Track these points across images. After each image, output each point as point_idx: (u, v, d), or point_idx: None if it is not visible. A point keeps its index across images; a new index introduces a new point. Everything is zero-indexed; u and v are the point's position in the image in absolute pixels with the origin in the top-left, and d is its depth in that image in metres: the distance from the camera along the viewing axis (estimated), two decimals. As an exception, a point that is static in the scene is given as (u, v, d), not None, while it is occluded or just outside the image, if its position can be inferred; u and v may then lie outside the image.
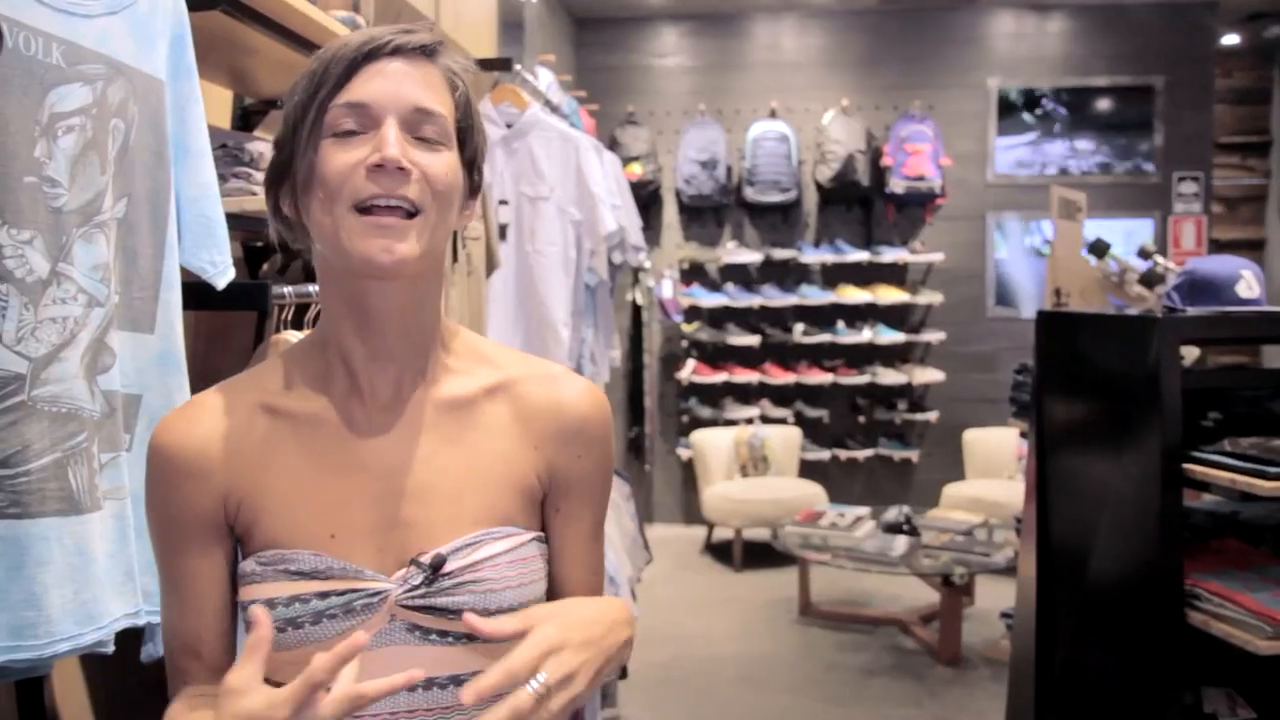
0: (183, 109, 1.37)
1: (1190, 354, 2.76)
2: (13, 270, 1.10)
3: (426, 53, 0.99)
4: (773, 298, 6.50)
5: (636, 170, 6.45)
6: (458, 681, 0.99)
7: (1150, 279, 3.31)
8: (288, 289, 1.61)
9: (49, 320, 1.14)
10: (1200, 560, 2.24)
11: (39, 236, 1.13)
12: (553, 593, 1.09)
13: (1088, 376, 2.52)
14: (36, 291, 1.13)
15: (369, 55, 0.96)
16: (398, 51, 0.97)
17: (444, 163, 0.97)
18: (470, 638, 0.97)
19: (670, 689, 4.16)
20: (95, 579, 1.19)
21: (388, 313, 1.00)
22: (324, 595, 0.97)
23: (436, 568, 0.97)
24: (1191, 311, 2.33)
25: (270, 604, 0.96)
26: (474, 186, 1.06)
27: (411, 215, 0.95)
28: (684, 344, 6.75)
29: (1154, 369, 2.17)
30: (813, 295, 6.48)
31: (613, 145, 6.40)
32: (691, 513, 6.79)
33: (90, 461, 1.19)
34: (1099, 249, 3.60)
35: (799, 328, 6.53)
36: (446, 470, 1.02)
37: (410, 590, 0.97)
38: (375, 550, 1.00)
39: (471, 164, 1.04)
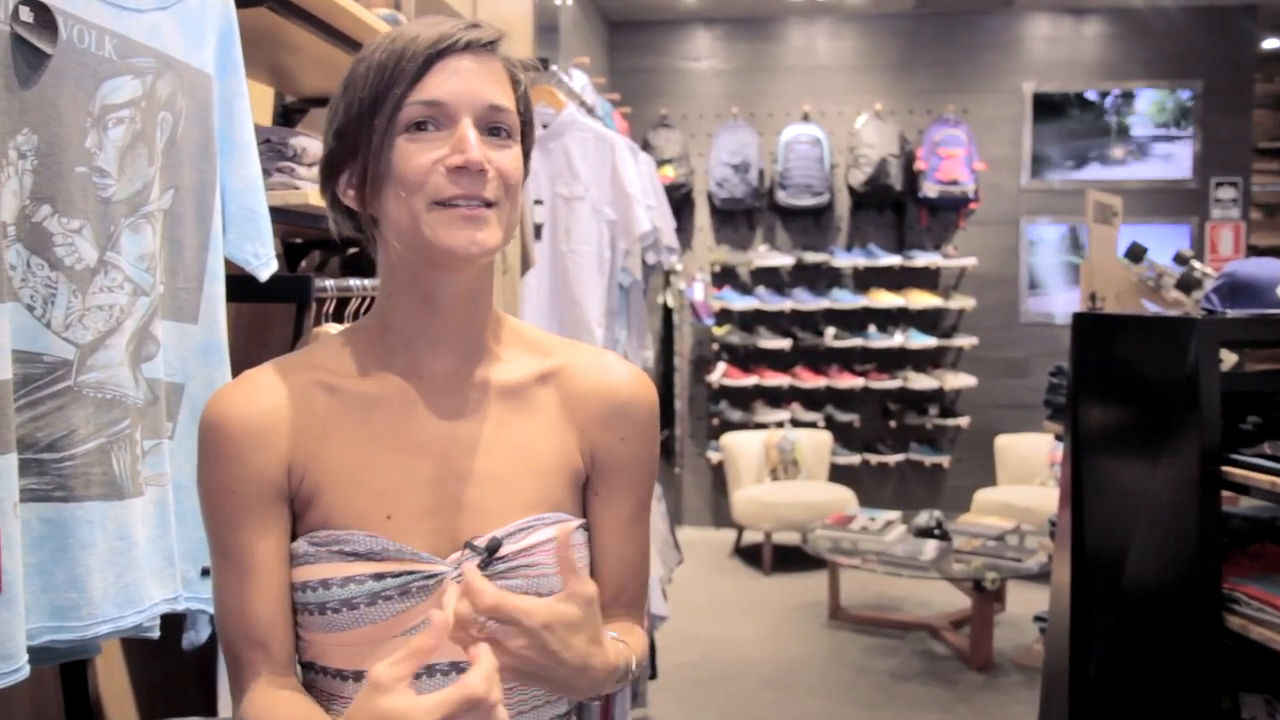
0: (229, 103, 1.39)
1: (1228, 360, 2.73)
2: (62, 258, 1.12)
3: (491, 49, 1.01)
4: (804, 301, 6.49)
5: (669, 173, 6.46)
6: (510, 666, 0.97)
7: (1187, 284, 3.27)
8: (329, 282, 1.63)
9: (96, 308, 1.16)
10: (1238, 565, 2.21)
11: (88, 225, 1.15)
12: (591, 576, 1.08)
13: (1124, 379, 2.50)
14: (85, 279, 1.15)
15: (442, 51, 0.97)
16: (468, 47, 0.98)
17: (514, 158, 1.00)
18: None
19: (699, 690, 4.16)
20: (136, 563, 1.21)
21: (452, 300, 1.03)
22: (379, 577, 0.97)
23: (493, 551, 0.99)
24: (1231, 314, 2.31)
25: (323, 585, 0.97)
26: (525, 173, 1.08)
27: (489, 206, 0.97)
28: (715, 347, 6.75)
29: (1193, 371, 2.15)
30: (844, 299, 6.46)
31: (645, 148, 6.41)
32: (721, 516, 6.78)
33: (133, 448, 1.21)
34: (1136, 253, 3.58)
35: (830, 331, 6.52)
36: (500, 455, 1.04)
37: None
38: (430, 532, 1.01)
39: (527, 153, 1.06)
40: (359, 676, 1.00)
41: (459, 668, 0.98)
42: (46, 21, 1.08)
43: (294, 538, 1.02)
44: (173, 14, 1.28)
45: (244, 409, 1.01)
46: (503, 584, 0.97)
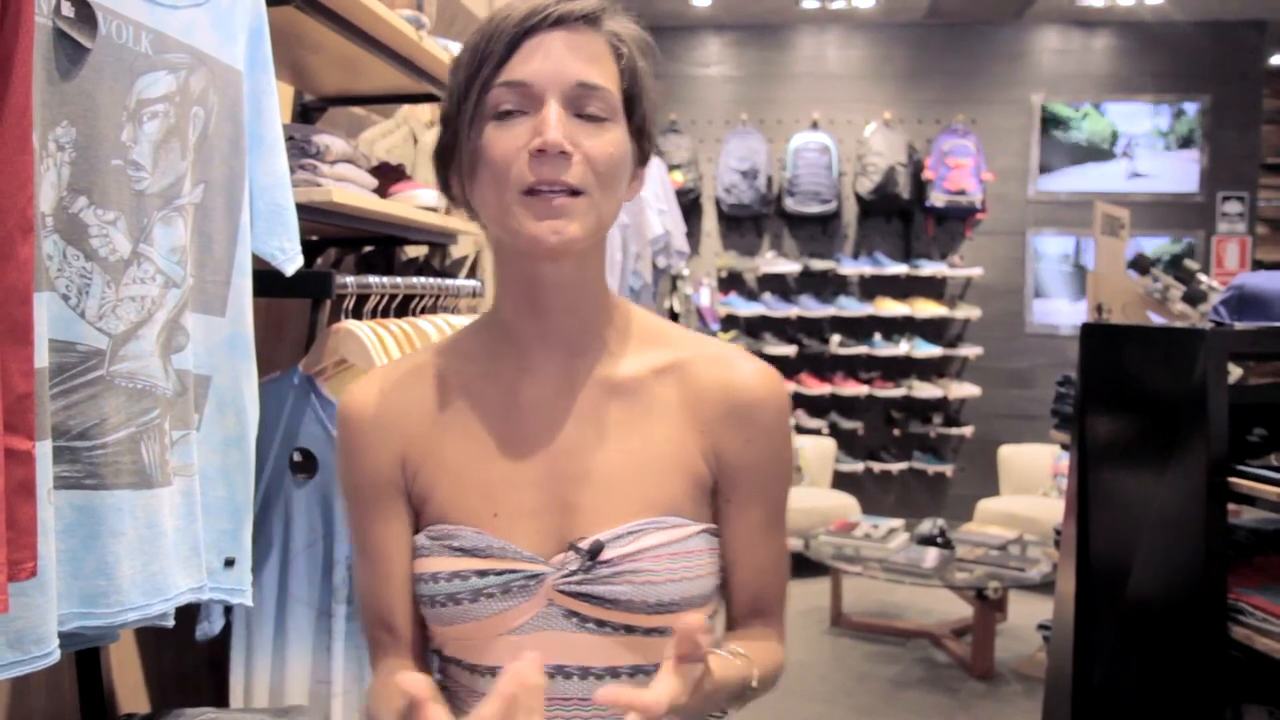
0: (259, 100, 1.41)
1: (1233, 374, 2.75)
2: (97, 249, 1.14)
3: (589, 20, 0.95)
4: (810, 308, 6.50)
5: (677, 178, 6.48)
6: (614, 674, 0.98)
7: (1193, 297, 3.29)
8: (350, 279, 1.65)
9: (129, 299, 1.18)
10: (1243, 576, 2.23)
11: (122, 218, 1.17)
12: (723, 587, 1.05)
13: (1131, 390, 2.51)
14: (118, 270, 1.16)
15: (531, 29, 0.93)
16: (560, 22, 0.93)
17: (607, 141, 0.94)
18: (628, 629, 0.96)
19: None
20: (164, 552, 1.22)
21: (556, 290, 0.99)
22: (483, 574, 0.97)
23: (594, 554, 0.95)
24: (1239, 326, 2.32)
25: (434, 578, 0.99)
26: (644, 155, 1.02)
27: (575, 194, 0.92)
28: (720, 352, 6.75)
29: (1200, 382, 2.16)
30: (850, 307, 6.48)
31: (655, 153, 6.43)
32: (723, 521, 6.78)
33: (162, 438, 1.23)
34: (1142, 265, 3.59)
35: (835, 339, 6.53)
36: (611, 455, 1.00)
37: (567, 575, 0.96)
38: (536, 532, 0.98)
39: (640, 132, 1.00)
40: (474, 669, 1.01)
41: (614, 673, 0.97)
42: (87, 16, 1.10)
43: (418, 530, 1.03)
44: (206, 11, 1.30)
45: (363, 405, 1.04)
46: (604, 589, 0.95)
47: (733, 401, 1.02)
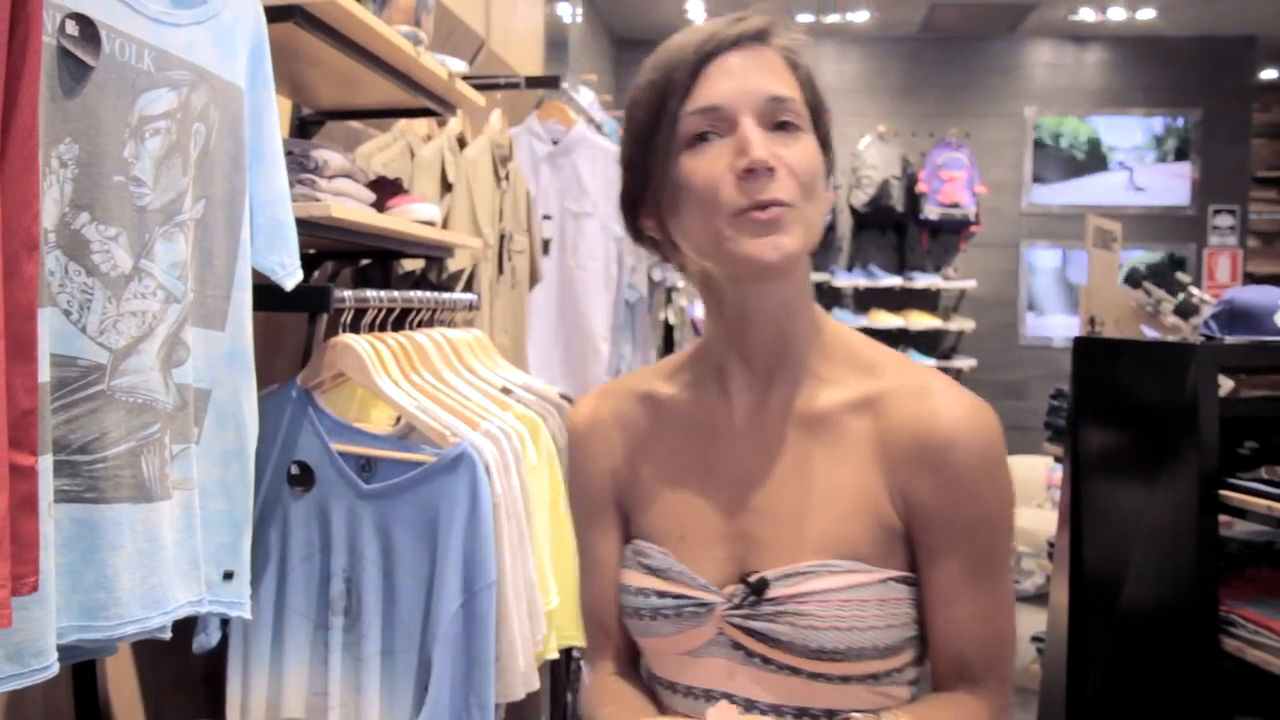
0: (259, 116, 1.42)
1: (1225, 386, 2.77)
2: (99, 265, 1.15)
3: (760, 37, 0.95)
4: (804, 320, 6.52)
5: (672, 190, 6.50)
6: (779, 712, 0.95)
7: (1185, 310, 3.31)
8: (347, 293, 1.66)
9: (130, 314, 1.19)
10: (1235, 588, 2.24)
11: (124, 233, 1.17)
12: (928, 640, 0.98)
13: (1124, 403, 2.53)
14: (119, 286, 1.17)
15: (709, 55, 0.92)
16: (736, 43, 0.93)
17: (805, 150, 0.93)
18: (792, 670, 0.94)
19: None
20: (163, 565, 1.23)
21: (764, 315, 0.97)
22: (662, 595, 0.98)
23: (758, 590, 0.94)
24: (1229, 340, 2.34)
25: (627, 590, 1.02)
26: (829, 164, 0.99)
27: (785, 208, 0.90)
28: (714, 364, 6.77)
29: (1191, 396, 2.18)
30: (844, 319, 6.49)
31: (649, 165, 6.45)
32: (717, 533, 6.79)
33: (162, 451, 1.24)
34: (1134, 278, 3.62)
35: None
36: (794, 490, 0.97)
37: (734, 608, 0.95)
38: (716, 560, 0.98)
39: (825, 142, 0.97)
40: (662, 683, 1.04)
41: (778, 711, 0.96)
42: (91, 35, 1.11)
43: (629, 540, 1.06)
44: (208, 29, 1.31)
45: (585, 420, 1.10)
46: (766, 626, 0.93)
47: (923, 441, 0.95)
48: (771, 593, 0.93)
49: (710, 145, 0.91)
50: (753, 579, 0.94)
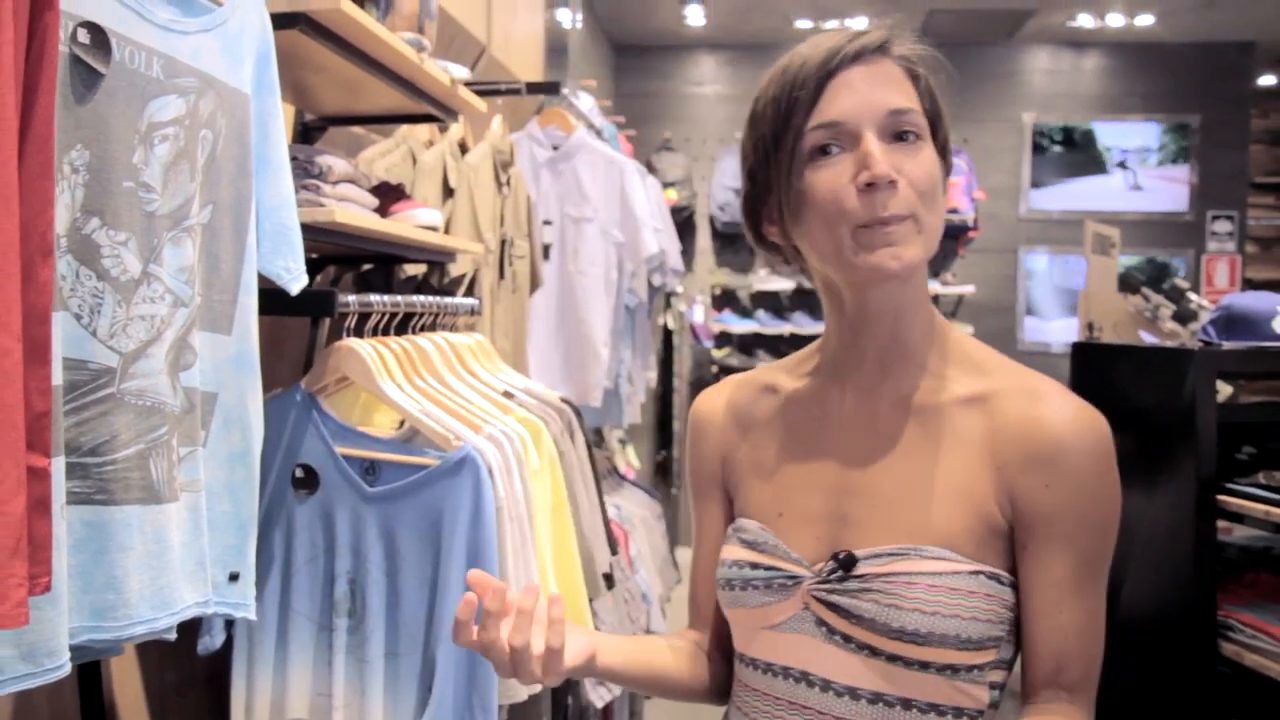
0: (265, 123, 1.43)
1: (1223, 391, 2.78)
2: (109, 269, 1.16)
3: (882, 49, 0.98)
4: (804, 325, 6.53)
5: (672, 196, 6.52)
6: (854, 694, 0.98)
7: (1183, 316, 3.33)
8: (352, 297, 1.67)
9: (139, 318, 1.20)
10: (1233, 593, 2.25)
11: (133, 239, 1.19)
12: (1024, 644, 0.99)
13: (1122, 408, 2.54)
14: (129, 290, 1.19)
15: (832, 71, 0.96)
16: (857, 57, 0.97)
17: (923, 161, 0.96)
18: (872, 651, 0.96)
19: (695, 710, 4.17)
20: (171, 566, 1.24)
21: (882, 316, 1.02)
22: (754, 566, 1.04)
23: (847, 566, 0.97)
24: (1227, 346, 2.36)
25: (723, 563, 1.07)
26: (947, 168, 1.03)
27: (905, 219, 0.94)
28: (714, 369, 6.79)
29: (1190, 401, 2.20)
30: (843, 324, 6.51)
31: (649, 170, 6.48)
32: (716, 537, 6.79)
33: (170, 454, 1.25)
34: (1132, 284, 3.63)
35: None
36: (896, 476, 1.00)
37: (821, 582, 0.99)
38: (811, 538, 1.03)
39: (943, 148, 1.01)
40: (742, 659, 1.09)
41: (853, 693, 0.98)
42: (101, 43, 1.12)
43: (732, 519, 1.12)
44: (215, 36, 1.33)
45: (703, 404, 1.18)
46: (850, 602, 0.96)
47: (1033, 442, 0.96)
48: (860, 570, 0.96)
49: (833, 159, 0.95)
50: (842, 555, 0.98)
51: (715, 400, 1.17)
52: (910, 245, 0.94)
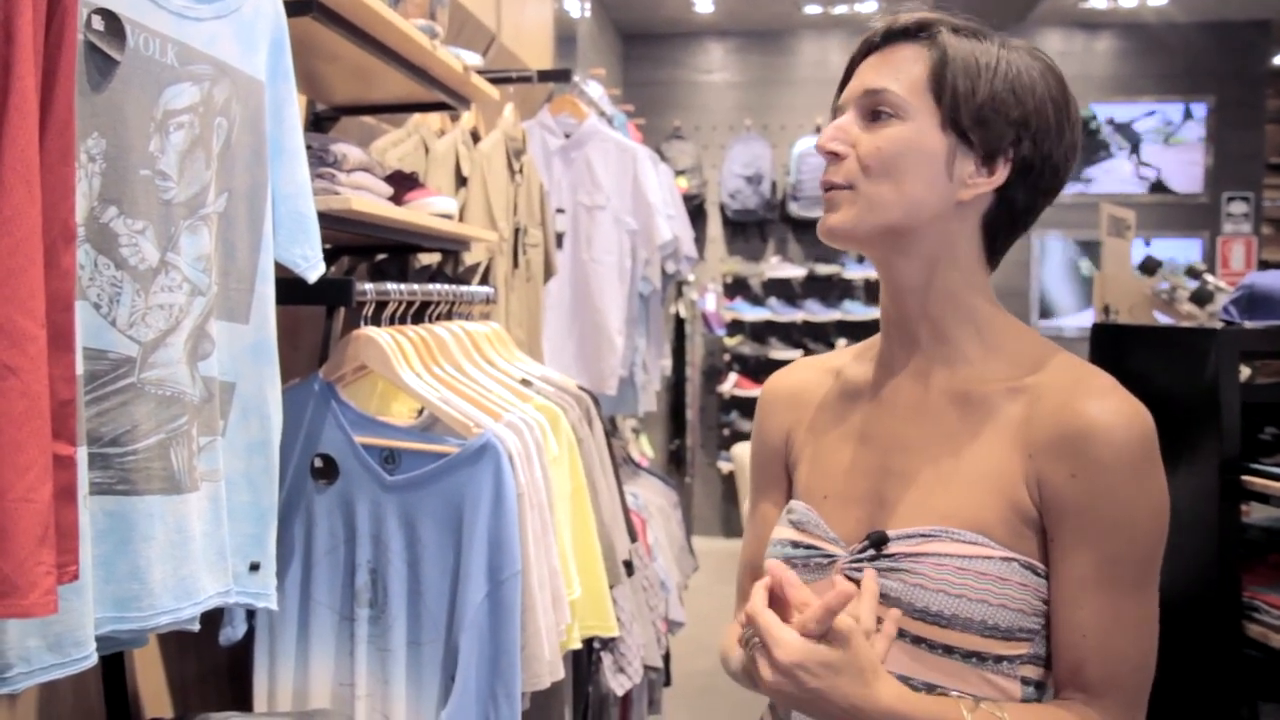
0: (280, 110, 1.42)
1: (1242, 373, 2.76)
2: (127, 258, 1.16)
3: (906, 34, 1.03)
4: (816, 313, 6.52)
5: (682, 184, 6.50)
6: None
7: (1200, 297, 3.31)
8: (369, 286, 1.66)
9: (157, 307, 1.20)
10: (1257, 574, 2.24)
11: (150, 227, 1.18)
12: (1054, 639, 0.97)
13: (1143, 390, 2.51)
14: (147, 279, 1.18)
15: (858, 56, 1.07)
16: (885, 40, 1.04)
17: (885, 137, 1.00)
18: (898, 631, 0.96)
19: (713, 698, 4.18)
20: (193, 556, 1.24)
21: (899, 292, 1.06)
22: (796, 545, 1.07)
23: (877, 544, 0.99)
24: (1250, 325, 2.34)
25: (771, 543, 1.11)
26: (970, 142, 0.99)
27: (841, 189, 1.01)
28: (726, 357, 6.78)
29: (1212, 381, 2.18)
30: (856, 311, 6.49)
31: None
32: (732, 526, 6.80)
33: (190, 444, 1.24)
34: (1150, 266, 3.61)
35: (841, 343, 6.54)
36: (934, 460, 1.01)
37: (853, 561, 1.01)
38: (852, 519, 1.05)
39: (954, 121, 0.98)
40: None
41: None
42: (116, 30, 1.11)
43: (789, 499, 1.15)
44: (229, 22, 1.32)
45: (771, 386, 1.21)
46: (880, 581, 0.98)
47: (1064, 427, 0.95)
48: (890, 549, 0.98)
49: None
50: (874, 535, 1.00)
51: (784, 380, 1.21)
52: (839, 211, 1.01)
